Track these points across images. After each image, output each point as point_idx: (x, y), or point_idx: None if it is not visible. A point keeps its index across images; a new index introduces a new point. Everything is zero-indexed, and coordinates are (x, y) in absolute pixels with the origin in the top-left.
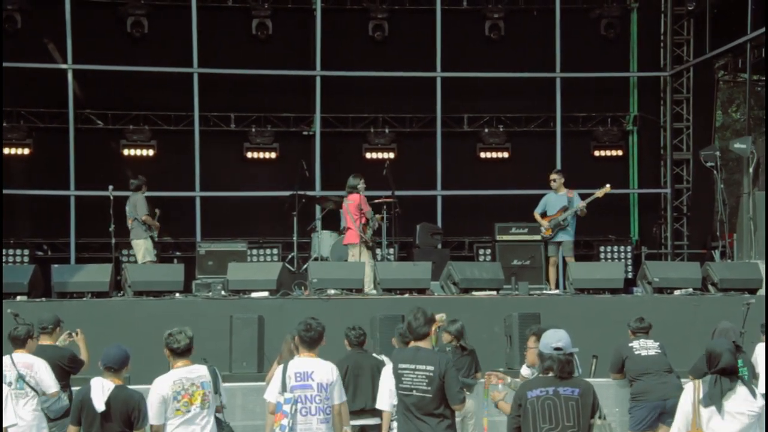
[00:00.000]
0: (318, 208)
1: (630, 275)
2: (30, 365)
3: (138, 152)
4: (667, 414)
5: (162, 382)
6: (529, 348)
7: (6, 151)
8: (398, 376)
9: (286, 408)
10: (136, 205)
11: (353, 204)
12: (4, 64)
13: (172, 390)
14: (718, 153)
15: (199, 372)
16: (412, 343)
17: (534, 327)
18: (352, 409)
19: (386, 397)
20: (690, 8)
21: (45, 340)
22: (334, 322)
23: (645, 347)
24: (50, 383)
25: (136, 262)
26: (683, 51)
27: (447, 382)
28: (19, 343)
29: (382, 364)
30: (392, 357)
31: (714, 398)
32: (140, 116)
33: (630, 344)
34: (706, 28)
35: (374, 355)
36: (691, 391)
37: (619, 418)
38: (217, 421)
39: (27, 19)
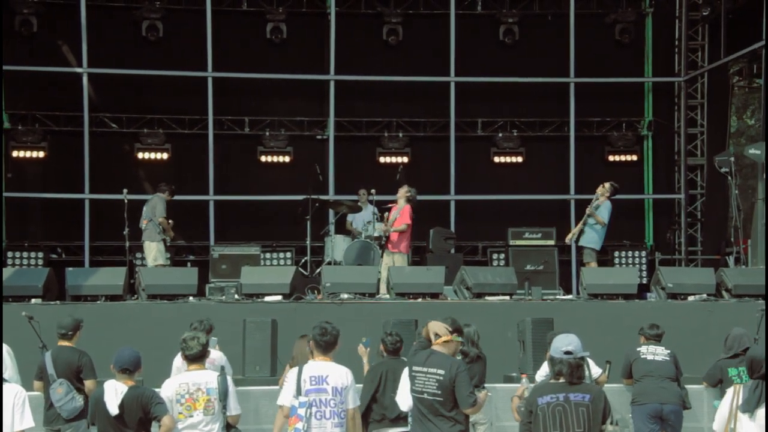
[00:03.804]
0: (331, 212)
1: (644, 281)
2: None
3: (152, 156)
4: (666, 422)
5: (168, 384)
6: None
7: (21, 154)
8: (412, 379)
9: (301, 412)
10: (156, 206)
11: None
12: (20, 68)
13: (176, 393)
14: (732, 159)
15: (207, 378)
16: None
17: (551, 333)
18: (389, 416)
19: (406, 399)
20: (705, 13)
21: (64, 344)
22: (347, 327)
23: (653, 352)
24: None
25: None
26: (698, 56)
27: (457, 385)
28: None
29: None
30: (408, 359)
31: (750, 405)
32: (155, 120)
33: (638, 348)
34: (721, 34)
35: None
36: (731, 394)
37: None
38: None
39: (43, 22)
